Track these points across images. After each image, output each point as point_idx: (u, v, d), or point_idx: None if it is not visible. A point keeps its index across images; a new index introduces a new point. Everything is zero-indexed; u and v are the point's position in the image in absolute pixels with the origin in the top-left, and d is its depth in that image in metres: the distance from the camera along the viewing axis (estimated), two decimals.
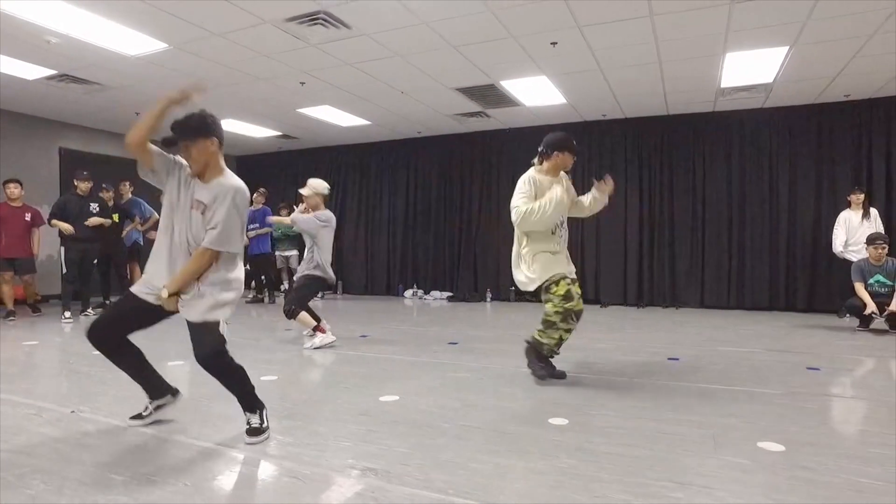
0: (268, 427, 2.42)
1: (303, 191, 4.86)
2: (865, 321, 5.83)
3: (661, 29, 5.05)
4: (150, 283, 2.41)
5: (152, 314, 2.43)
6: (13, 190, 6.51)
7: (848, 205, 6.74)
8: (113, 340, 2.43)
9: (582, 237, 8.38)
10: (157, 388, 2.58)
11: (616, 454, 2.26)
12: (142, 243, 7.70)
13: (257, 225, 8.12)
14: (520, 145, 8.78)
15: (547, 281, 3.30)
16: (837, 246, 6.69)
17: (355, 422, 2.67)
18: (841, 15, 4.70)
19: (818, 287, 7.33)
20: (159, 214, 2.54)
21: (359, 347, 4.71)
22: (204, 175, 2.40)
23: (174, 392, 2.62)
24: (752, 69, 6.09)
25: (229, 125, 8.73)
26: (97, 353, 2.43)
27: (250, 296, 8.66)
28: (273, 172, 10.90)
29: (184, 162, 2.42)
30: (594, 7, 4.66)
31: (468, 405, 2.96)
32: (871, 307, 5.57)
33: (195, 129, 2.35)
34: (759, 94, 7.04)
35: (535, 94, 7.13)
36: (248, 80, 6.54)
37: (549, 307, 3.30)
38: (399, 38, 5.28)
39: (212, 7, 4.61)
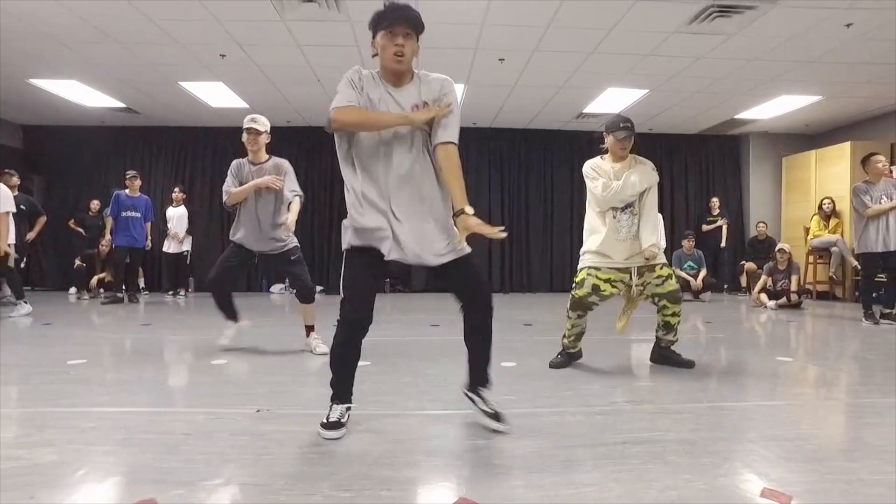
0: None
1: (261, 127, 3.69)
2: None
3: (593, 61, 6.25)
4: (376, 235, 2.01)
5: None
6: None
7: None
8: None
9: None
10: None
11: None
12: None
13: (139, 215, 6.90)
14: None
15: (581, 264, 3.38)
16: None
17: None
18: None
19: None
20: None
21: None
22: (400, 80, 2.06)
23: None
24: (614, 102, 7.81)
25: (61, 87, 7.11)
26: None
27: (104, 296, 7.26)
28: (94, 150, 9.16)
29: (366, 79, 2.03)
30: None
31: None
32: (695, 283, 7.79)
33: (417, 23, 2.00)
34: (599, 120, 8.93)
35: None
36: (164, 42, 5.63)
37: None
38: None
39: None
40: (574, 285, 3.36)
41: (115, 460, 1.84)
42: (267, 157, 3.78)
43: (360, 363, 2.20)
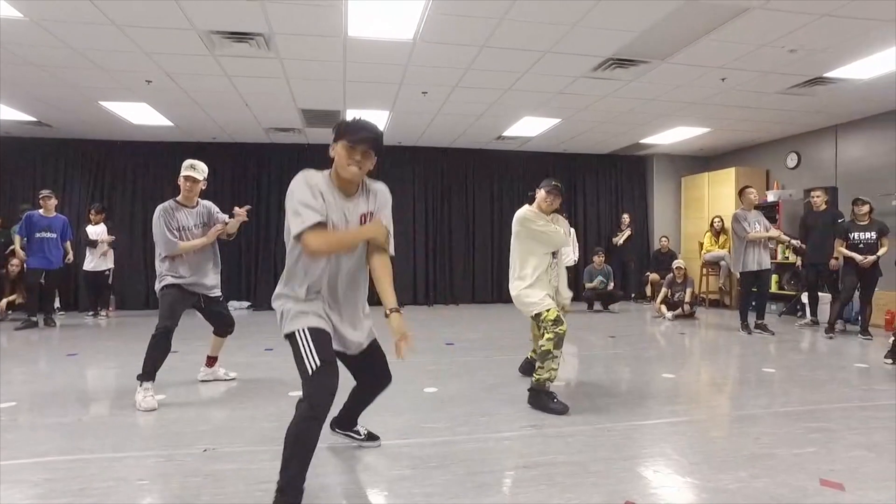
0: None
1: (199, 175, 3.78)
2: (591, 306, 8.82)
3: (510, 96, 6.77)
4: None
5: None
6: None
7: None
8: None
9: None
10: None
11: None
12: None
13: (55, 235, 6.68)
14: (320, 159, 9.38)
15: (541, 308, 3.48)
16: None
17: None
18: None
19: None
20: None
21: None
22: (351, 189, 2.19)
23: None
24: (530, 127, 8.41)
25: None
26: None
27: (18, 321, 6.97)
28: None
29: (322, 184, 2.12)
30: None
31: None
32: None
33: (378, 144, 2.13)
34: (516, 142, 9.54)
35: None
36: (87, 67, 5.55)
37: (543, 338, 3.41)
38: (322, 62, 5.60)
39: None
40: (552, 323, 3.38)
41: None
42: (197, 200, 3.91)
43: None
